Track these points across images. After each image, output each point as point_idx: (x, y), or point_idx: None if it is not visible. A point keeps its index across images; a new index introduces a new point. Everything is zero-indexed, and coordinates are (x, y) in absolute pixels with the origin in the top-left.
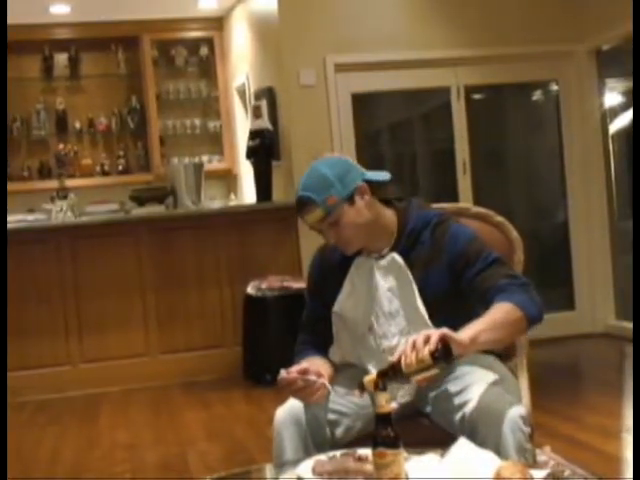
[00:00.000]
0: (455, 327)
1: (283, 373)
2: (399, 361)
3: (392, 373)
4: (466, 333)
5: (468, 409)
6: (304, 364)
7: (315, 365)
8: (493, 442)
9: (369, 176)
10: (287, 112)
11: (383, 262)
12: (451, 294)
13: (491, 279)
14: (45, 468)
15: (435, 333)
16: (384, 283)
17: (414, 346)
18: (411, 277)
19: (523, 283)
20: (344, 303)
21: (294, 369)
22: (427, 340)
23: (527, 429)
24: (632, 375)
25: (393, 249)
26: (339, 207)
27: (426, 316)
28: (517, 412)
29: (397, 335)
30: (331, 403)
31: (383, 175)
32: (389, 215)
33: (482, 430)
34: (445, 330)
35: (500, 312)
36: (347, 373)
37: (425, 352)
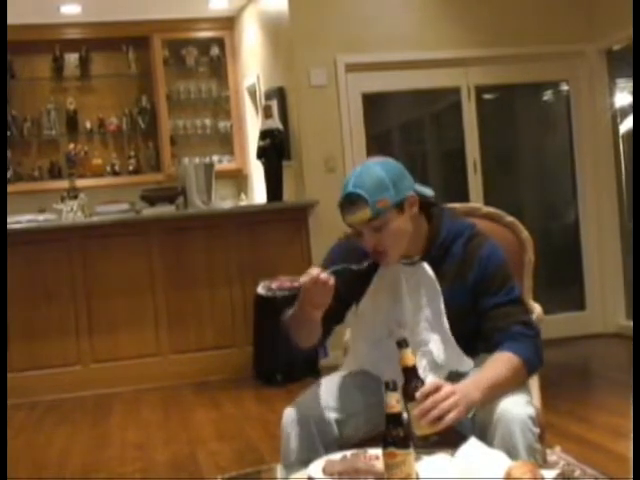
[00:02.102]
0: (473, 341)
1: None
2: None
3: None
4: (477, 396)
5: (478, 411)
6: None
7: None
8: (503, 443)
9: (417, 188)
10: (298, 112)
11: (412, 271)
12: (471, 312)
13: (506, 320)
14: (56, 468)
15: (455, 413)
16: (410, 292)
17: (436, 402)
18: (440, 290)
19: (533, 335)
20: (366, 304)
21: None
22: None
23: (537, 430)
24: (632, 375)
25: (423, 258)
26: (388, 212)
27: (448, 329)
28: (527, 413)
29: (414, 345)
30: (339, 402)
31: (429, 191)
32: (423, 223)
33: (492, 431)
34: (463, 409)
35: (510, 371)
36: (357, 379)
37: (432, 428)
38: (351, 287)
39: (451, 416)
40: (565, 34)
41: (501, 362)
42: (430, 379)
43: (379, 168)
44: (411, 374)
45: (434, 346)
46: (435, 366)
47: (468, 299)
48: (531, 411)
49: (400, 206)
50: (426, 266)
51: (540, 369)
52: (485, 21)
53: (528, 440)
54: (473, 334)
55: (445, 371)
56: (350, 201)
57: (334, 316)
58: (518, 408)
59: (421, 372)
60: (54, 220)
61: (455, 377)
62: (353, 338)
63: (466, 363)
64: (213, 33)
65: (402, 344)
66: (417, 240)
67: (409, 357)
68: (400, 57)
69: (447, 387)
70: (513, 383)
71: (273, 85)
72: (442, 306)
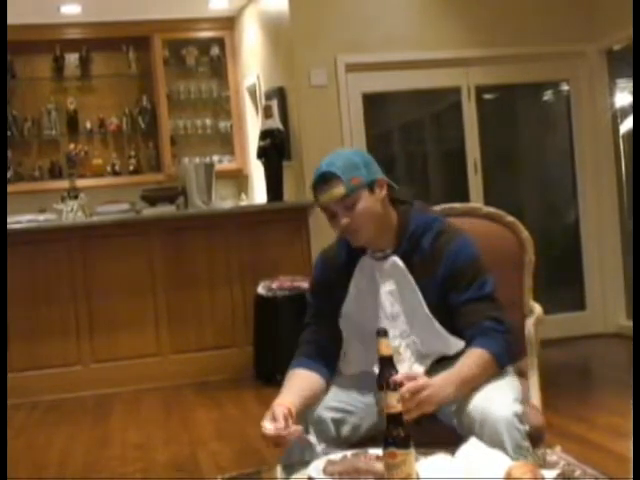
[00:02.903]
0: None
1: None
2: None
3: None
4: (450, 392)
5: (465, 411)
6: (278, 414)
7: (283, 407)
8: (490, 443)
9: (384, 177)
10: (298, 112)
11: (384, 265)
12: (441, 306)
13: (477, 315)
14: (56, 468)
15: (424, 408)
16: (384, 286)
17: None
18: (413, 281)
19: (503, 330)
20: (351, 306)
21: (272, 428)
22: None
23: (523, 427)
24: (632, 375)
25: (395, 251)
26: (361, 190)
27: (431, 316)
28: (512, 411)
29: (398, 337)
30: (336, 402)
31: (396, 185)
32: (393, 215)
33: (479, 430)
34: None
35: (481, 367)
36: (355, 378)
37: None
38: (335, 291)
39: (420, 411)
40: (565, 34)
41: (472, 358)
42: (416, 368)
43: (349, 152)
44: (386, 363)
45: (416, 336)
46: (420, 355)
47: (438, 294)
48: (517, 409)
49: (371, 186)
50: (397, 259)
51: (511, 363)
52: (485, 21)
53: (515, 439)
54: (446, 327)
55: (431, 359)
56: (324, 180)
57: (337, 333)
58: (504, 407)
59: (407, 363)
60: (54, 220)
61: (445, 361)
62: (347, 343)
63: (454, 345)
64: (213, 33)
65: (380, 333)
66: (388, 232)
67: (385, 347)
68: (400, 57)
69: (421, 380)
70: (484, 378)
71: (273, 85)
72: (419, 295)
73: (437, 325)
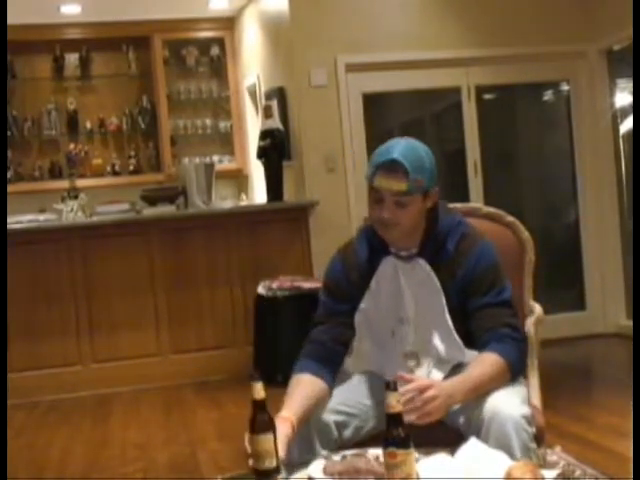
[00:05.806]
0: (463, 338)
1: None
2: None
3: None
4: (459, 398)
5: (472, 411)
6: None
7: (286, 426)
8: (497, 443)
9: (437, 188)
10: (298, 112)
11: (410, 266)
12: (458, 309)
13: (494, 321)
14: (56, 468)
15: (432, 415)
16: (408, 288)
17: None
18: (438, 284)
19: (520, 338)
20: (369, 303)
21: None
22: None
23: (531, 429)
24: (632, 375)
25: (421, 251)
26: (418, 194)
27: (450, 322)
28: (520, 412)
29: (418, 341)
30: (340, 405)
31: None
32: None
33: (486, 431)
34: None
35: (494, 372)
36: (357, 380)
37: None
38: (352, 291)
39: (428, 420)
40: (565, 34)
41: (486, 363)
42: (434, 374)
43: (422, 150)
44: (395, 421)
45: (437, 342)
46: (439, 361)
47: (456, 297)
48: (525, 410)
49: (426, 194)
50: (422, 262)
51: (520, 373)
52: (485, 21)
53: (523, 440)
54: (461, 331)
55: (450, 365)
56: (392, 167)
57: (345, 335)
58: (512, 408)
59: (425, 367)
60: (54, 220)
61: (462, 368)
62: (358, 339)
63: (468, 355)
64: (213, 33)
65: (390, 386)
66: (416, 231)
67: (396, 402)
68: (400, 57)
69: (431, 391)
70: (496, 384)
71: (273, 85)
72: (443, 301)
73: (454, 332)
